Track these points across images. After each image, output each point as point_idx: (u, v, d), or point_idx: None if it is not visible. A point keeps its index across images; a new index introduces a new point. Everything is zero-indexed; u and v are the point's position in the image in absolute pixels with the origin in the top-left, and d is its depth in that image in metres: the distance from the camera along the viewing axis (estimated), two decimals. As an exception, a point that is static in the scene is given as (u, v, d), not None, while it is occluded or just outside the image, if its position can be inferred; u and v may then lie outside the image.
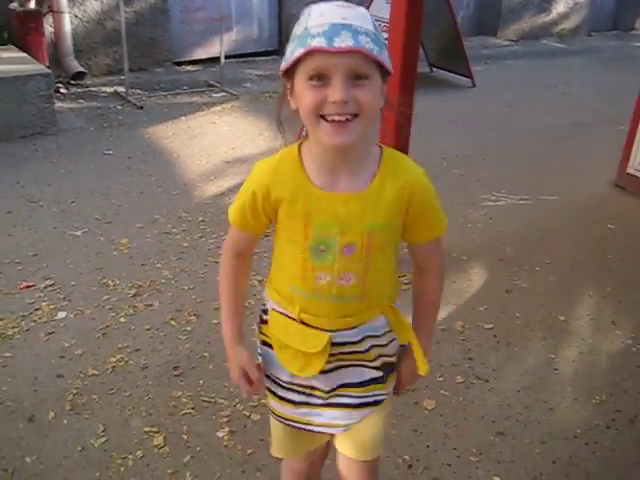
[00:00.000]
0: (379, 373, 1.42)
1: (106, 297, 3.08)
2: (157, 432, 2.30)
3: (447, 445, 2.30)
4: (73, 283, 3.18)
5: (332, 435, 1.54)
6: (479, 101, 6.78)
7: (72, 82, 6.37)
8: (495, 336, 2.92)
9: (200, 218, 3.90)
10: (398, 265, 1.42)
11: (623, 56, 9.23)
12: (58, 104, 5.65)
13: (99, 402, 2.43)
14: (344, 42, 1.11)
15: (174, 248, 3.55)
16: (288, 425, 1.49)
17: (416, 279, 1.45)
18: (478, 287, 3.31)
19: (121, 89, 6.29)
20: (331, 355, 1.36)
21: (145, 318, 2.94)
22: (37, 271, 3.27)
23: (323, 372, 1.37)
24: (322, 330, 1.34)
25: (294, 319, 1.36)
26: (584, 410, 2.50)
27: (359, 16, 1.15)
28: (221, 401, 2.44)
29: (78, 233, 3.67)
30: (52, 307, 2.98)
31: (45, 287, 3.13)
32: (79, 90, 6.32)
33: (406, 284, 2.45)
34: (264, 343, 1.47)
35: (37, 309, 2.96)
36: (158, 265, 3.38)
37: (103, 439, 2.26)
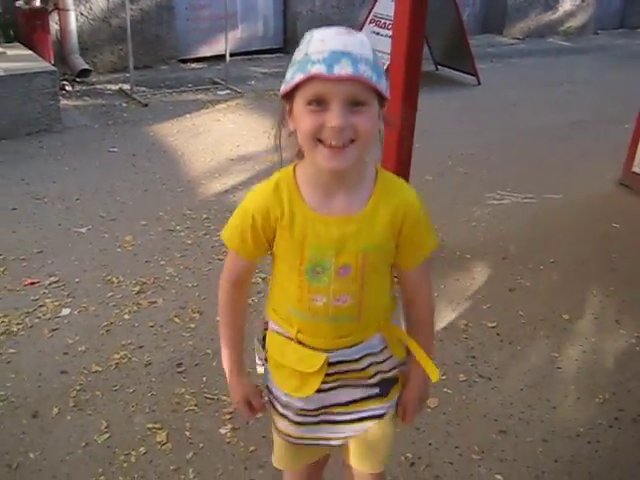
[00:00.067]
0: (375, 390, 1.43)
1: (110, 294, 3.09)
2: (160, 429, 2.31)
3: (449, 443, 2.30)
4: (77, 280, 3.19)
5: (333, 447, 1.55)
6: (484, 99, 6.77)
7: (77, 79, 6.39)
8: (498, 334, 2.92)
9: (204, 215, 3.91)
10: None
11: (630, 54, 9.18)
12: (63, 101, 5.67)
13: (102, 398, 2.44)
14: (344, 69, 1.12)
15: (178, 245, 3.56)
16: (287, 441, 1.51)
17: (406, 313, 1.45)
18: (482, 285, 3.31)
19: (126, 87, 6.30)
20: (328, 375, 1.38)
21: (149, 315, 2.95)
22: (41, 268, 3.28)
23: (320, 391, 1.39)
24: (319, 350, 1.36)
25: (291, 339, 1.38)
26: (587, 409, 2.50)
27: (359, 44, 1.16)
28: (224, 398, 2.44)
29: (82, 230, 3.69)
30: (56, 304, 3.00)
31: (49, 284, 3.15)
32: (84, 87, 6.33)
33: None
34: (267, 360, 1.48)
35: (41, 306, 2.98)
36: (162, 262, 3.39)
37: (106, 435, 2.27)
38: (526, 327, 2.98)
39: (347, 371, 1.39)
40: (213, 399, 2.45)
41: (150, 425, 2.32)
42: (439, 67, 7.64)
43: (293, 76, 1.17)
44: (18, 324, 2.84)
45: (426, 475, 2.16)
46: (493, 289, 3.28)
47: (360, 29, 6.74)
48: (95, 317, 2.92)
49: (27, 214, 3.84)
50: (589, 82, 7.61)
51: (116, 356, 2.67)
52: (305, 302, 1.33)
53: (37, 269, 3.27)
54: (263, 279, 2.92)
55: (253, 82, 6.90)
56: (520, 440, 2.33)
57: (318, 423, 1.45)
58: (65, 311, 2.95)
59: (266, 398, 1.52)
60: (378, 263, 1.33)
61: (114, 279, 3.21)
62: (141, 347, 2.73)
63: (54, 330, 2.82)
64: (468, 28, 7.54)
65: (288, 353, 1.39)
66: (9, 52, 5.53)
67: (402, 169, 3.14)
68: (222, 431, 2.30)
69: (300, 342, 1.37)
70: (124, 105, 5.96)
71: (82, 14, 6.51)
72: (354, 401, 1.43)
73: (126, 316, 2.93)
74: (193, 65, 7.38)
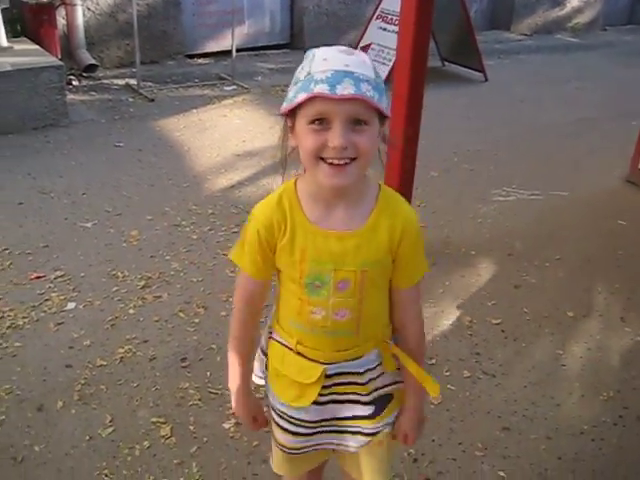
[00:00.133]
0: (370, 409, 1.42)
1: (115, 288, 3.10)
2: (164, 423, 2.32)
3: (452, 440, 2.30)
4: (83, 274, 3.21)
5: (328, 450, 1.56)
6: (491, 96, 6.74)
7: (84, 74, 6.39)
8: (503, 331, 2.91)
9: (210, 211, 3.92)
10: None
11: (638, 51, 9.11)
12: (70, 96, 5.67)
13: (107, 392, 2.45)
14: (346, 89, 1.13)
15: (183, 240, 3.57)
16: (282, 451, 1.52)
17: (396, 337, 1.43)
18: (487, 282, 3.30)
19: (133, 82, 6.30)
20: (325, 387, 1.38)
21: (154, 310, 2.96)
22: (47, 262, 3.29)
23: (316, 403, 1.39)
24: (317, 362, 1.37)
25: (291, 349, 1.39)
26: (591, 406, 2.49)
27: (361, 63, 1.18)
28: (228, 393, 2.42)
29: (88, 225, 3.70)
30: (62, 298, 3.01)
31: (55, 278, 3.16)
32: (91, 82, 6.34)
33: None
34: (267, 367, 1.49)
35: (47, 300, 2.99)
36: (167, 257, 3.40)
37: (110, 429, 2.28)
38: (531, 324, 2.98)
39: (347, 384, 1.40)
40: (217, 394, 2.46)
41: (154, 419, 2.33)
42: (446, 63, 7.61)
43: (296, 95, 1.18)
44: (24, 318, 2.85)
45: (429, 471, 2.17)
46: (498, 286, 3.27)
47: (367, 25, 6.74)
48: (100, 311, 2.93)
49: (33, 208, 3.85)
50: (597, 79, 7.57)
51: (121, 350, 2.68)
52: (304, 315, 1.34)
53: (43, 263, 3.28)
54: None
55: (260, 78, 6.90)
56: (524, 437, 2.33)
57: (313, 434, 1.45)
58: (70, 305, 2.96)
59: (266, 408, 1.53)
60: (377, 278, 1.33)
61: (119, 274, 3.22)
62: (146, 341, 2.74)
63: (59, 324, 2.83)
64: (475, 24, 7.50)
65: (288, 363, 1.40)
66: (16, 47, 5.55)
67: (404, 190, 3.11)
68: (226, 426, 2.31)
69: (299, 353, 1.38)
70: (130, 100, 5.97)
71: (89, 9, 6.51)
72: (353, 417, 1.43)
73: (131, 311, 2.94)
74: (200, 60, 7.37)
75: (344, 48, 1.21)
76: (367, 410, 1.42)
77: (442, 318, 2.99)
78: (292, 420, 1.43)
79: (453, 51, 7.45)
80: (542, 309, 3.08)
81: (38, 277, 3.16)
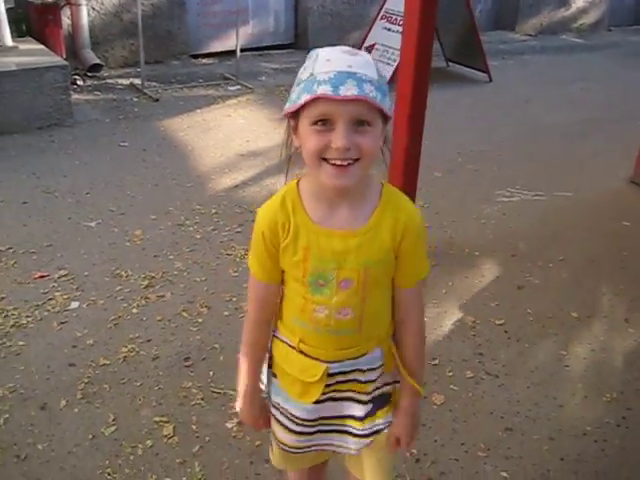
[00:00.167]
0: (367, 408, 1.42)
1: (119, 288, 3.11)
2: (167, 422, 2.32)
3: (455, 440, 2.30)
4: (86, 273, 3.21)
5: (333, 453, 1.56)
6: (495, 96, 6.73)
7: (89, 74, 6.41)
8: (506, 332, 2.91)
9: (213, 211, 3.92)
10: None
11: (643, 52, 9.11)
12: (74, 96, 5.69)
13: (110, 391, 2.46)
14: (349, 90, 1.13)
15: (187, 240, 3.57)
16: (282, 449, 1.53)
17: (397, 335, 1.43)
18: (490, 283, 3.30)
19: (137, 81, 6.32)
20: (327, 385, 1.38)
21: (157, 309, 2.96)
22: (51, 261, 3.30)
23: (318, 402, 1.39)
24: (319, 361, 1.37)
25: (294, 348, 1.39)
26: (594, 408, 2.49)
27: (364, 64, 1.17)
28: (231, 392, 2.45)
29: (92, 224, 3.70)
30: (65, 297, 3.02)
31: (59, 277, 3.17)
32: (95, 82, 6.36)
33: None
34: (269, 366, 1.49)
35: (51, 299, 3.00)
36: (171, 257, 3.40)
37: (113, 428, 2.29)
38: (534, 325, 2.97)
39: (348, 381, 1.40)
40: (220, 393, 2.46)
41: (157, 418, 2.34)
42: (450, 63, 7.61)
43: (299, 96, 1.18)
44: (28, 317, 2.86)
45: (431, 471, 2.16)
46: (502, 286, 3.27)
47: (371, 25, 6.74)
48: (103, 311, 2.94)
49: (38, 208, 3.86)
50: (602, 80, 7.55)
51: (124, 349, 2.68)
52: (308, 313, 1.34)
53: (47, 262, 3.29)
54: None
55: (264, 78, 6.90)
56: (526, 438, 2.33)
57: (313, 433, 1.46)
58: (74, 304, 2.97)
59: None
60: (380, 277, 1.33)
61: (123, 273, 3.22)
62: (149, 341, 2.75)
63: (63, 323, 2.84)
64: (480, 24, 7.50)
65: (291, 361, 1.40)
66: (21, 46, 5.56)
67: (408, 190, 3.10)
68: (228, 425, 2.31)
69: (302, 352, 1.38)
70: (135, 100, 5.98)
71: (94, 9, 6.53)
72: (348, 416, 1.43)
73: (134, 310, 2.95)
74: (204, 60, 7.38)
75: (347, 48, 1.21)
76: (363, 410, 1.42)
77: (445, 318, 2.98)
78: (294, 418, 1.43)
79: (457, 51, 7.44)
80: (546, 310, 3.08)
81: (42, 276, 3.16)
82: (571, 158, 5.03)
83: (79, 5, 6.28)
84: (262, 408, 1.52)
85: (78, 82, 6.18)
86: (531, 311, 3.06)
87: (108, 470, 2.12)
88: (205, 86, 6.48)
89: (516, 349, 2.80)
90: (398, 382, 1.46)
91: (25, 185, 4.14)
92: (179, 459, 2.17)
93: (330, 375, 1.37)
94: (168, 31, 7.05)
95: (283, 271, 1.36)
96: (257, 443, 2.22)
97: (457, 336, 2.86)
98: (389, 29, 6.43)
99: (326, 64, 1.16)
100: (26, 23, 6.10)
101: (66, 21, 6.36)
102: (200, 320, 2.89)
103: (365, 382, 1.40)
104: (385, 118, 1.23)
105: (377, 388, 1.43)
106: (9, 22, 5.53)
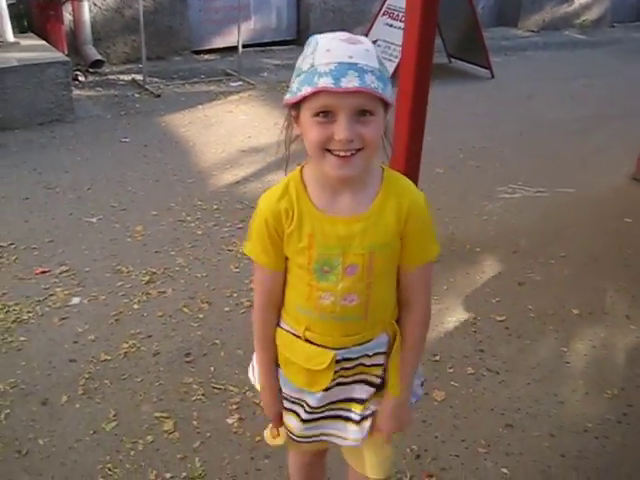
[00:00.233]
0: (372, 389, 1.42)
1: (120, 283, 3.11)
2: (167, 418, 2.32)
3: (456, 436, 2.30)
4: (87, 269, 3.21)
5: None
6: (498, 92, 6.72)
7: (90, 70, 6.41)
8: (507, 328, 2.91)
9: (215, 206, 3.92)
10: None
11: (646, 48, 9.08)
12: (76, 92, 5.69)
13: (111, 387, 2.46)
14: (351, 82, 1.13)
15: (188, 236, 3.57)
16: (290, 438, 1.53)
17: (401, 316, 1.42)
18: (491, 279, 3.29)
19: (139, 77, 6.31)
20: (335, 372, 1.38)
21: (158, 305, 2.96)
22: (52, 257, 3.30)
23: (326, 389, 1.39)
24: (326, 348, 1.36)
25: (299, 337, 1.39)
26: (595, 404, 2.49)
27: (364, 53, 1.17)
28: (231, 388, 2.46)
29: (93, 220, 3.71)
30: (66, 293, 3.02)
31: (60, 273, 3.17)
32: (97, 78, 6.35)
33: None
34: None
35: (52, 294, 3.00)
36: (172, 253, 3.40)
37: (114, 423, 2.29)
38: (535, 321, 2.97)
39: (354, 367, 1.40)
40: (220, 389, 2.46)
41: (157, 414, 2.34)
42: (452, 60, 7.59)
43: (300, 87, 1.17)
44: (29, 312, 2.87)
45: (432, 468, 2.16)
46: (503, 283, 3.26)
47: (373, 21, 6.72)
48: (105, 306, 2.94)
49: (39, 203, 3.86)
50: (604, 76, 7.52)
51: (125, 345, 2.69)
52: (313, 300, 1.34)
53: (48, 258, 3.29)
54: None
55: (266, 74, 6.89)
56: (527, 434, 2.32)
57: (319, 419, 1.46)
58: (75, 300, 2.97)
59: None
60: (385, 261, 1.33)
61: (124, 269, 3.22)
62: (150, 337, 2.75)
63: (64, 319, 2.84)
64: (482, 21, 7.47)
65: (296, 351, 1.40)
66: (23, 42, 5.56)
67: (410, 174, 3.12)
68: (229, 421, 2.31)
69: (308, 340, 1.38)
70: (136, 96, 5.98)
71: (95, 4, 6.52)
72: (354, 400, 1.43)
73: (135, 306, 2.95)
74: (206, 56, 7.37)
75: (347, 36, 1.19)
76: (368, 393, 1.42)
77: (446, 315, 2.98)
78: (305, 406, 1.43)
79: (460, 47, 7.42)
80: (547, 306, 3.07)
81: (43, 272, 3.17)
82: (573, 154, 5.02)
83: (81, 1, 6.28)
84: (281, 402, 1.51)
85: (80, 78, 6.18)
86: (532, 308, 3.06)
87: (109, 465, 2.12)
88: (207, 82, 6.47)
89: (517, 345, 2.80)
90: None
91: (26, 181, 4.14)
92: (180, 454, 2.17)
93: (337, 362, 1.37)
94: (170, 27, 7.04)
95: (286, 259, 1.36)
96: (258, 439, 2.22)
97: (458, 332, 2.86)
98: (391, 25, 6.42)
99: (326, 54, 1.15)
100: (28, 19, 6.11)
101: (68, 17, 6.36)
102: (201, 316, 2.89)
103: (370, 366, 1.40)
104: (386, 105, 1.22)
105: (384, 371, 1.42)
106: (11, 18, 5.54)
